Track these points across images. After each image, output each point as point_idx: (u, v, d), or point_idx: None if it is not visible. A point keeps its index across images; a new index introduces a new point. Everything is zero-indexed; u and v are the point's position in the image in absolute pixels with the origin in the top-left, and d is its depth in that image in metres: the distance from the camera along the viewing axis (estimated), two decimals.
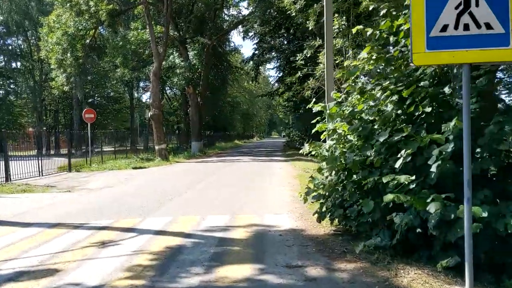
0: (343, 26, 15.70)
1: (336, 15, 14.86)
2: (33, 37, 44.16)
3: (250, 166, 20.12)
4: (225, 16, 35.98)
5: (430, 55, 3.79)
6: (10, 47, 46.16)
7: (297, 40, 25.08)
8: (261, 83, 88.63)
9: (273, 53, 35.12)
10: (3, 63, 45.78)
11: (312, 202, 6.78)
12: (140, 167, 20.79)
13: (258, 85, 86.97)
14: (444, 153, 4.37)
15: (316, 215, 6.47)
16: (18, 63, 47.11)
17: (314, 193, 6.32)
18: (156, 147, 23.73)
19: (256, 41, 41.10)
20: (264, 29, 27.29)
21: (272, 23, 26.84)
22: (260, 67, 41.50)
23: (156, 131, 23.54)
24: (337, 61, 15.28)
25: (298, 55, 17.47)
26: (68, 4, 26.14)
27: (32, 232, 7.07)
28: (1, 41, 45.68)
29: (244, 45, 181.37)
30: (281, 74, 31.21)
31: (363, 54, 6.04)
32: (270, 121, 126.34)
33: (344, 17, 15.79)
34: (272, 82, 70.24)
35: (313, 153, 6.80)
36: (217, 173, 16.43)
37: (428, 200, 4.29)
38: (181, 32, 30.50)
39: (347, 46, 15.52)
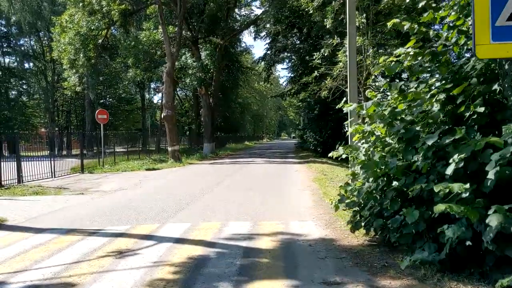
0: (362, 23, 15.23)
1: (356, 12, 14.38)
2: (46, 38, 44.17)
3: (265, 168, 19.69)
4: (237, 16, 35.55)
5: (496, 47, 3.33)
6: (22, 48, 46.21)
7: (312, 39, 24.61)
8: (272, 84, 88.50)
9: (286, 53, 34.69)
10: (16, 63, 45.89)
11: (343, 209, 6.31)
12: (153, 169, 20.48)
13: (269, 86, 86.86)
14: (503, 158, 3.89)
15: (349, 224, 5.99)
16: (31, 64, 47.16)
17: (348, 200, 5.85)
18: (169, 149, 23.38)
19: (268, 41, 40.80)
20: (277, 28, 26.77)
21: (286, 22, 26.36)
22: (272, 68, 41.02)
23: (169, 132, 23.18)
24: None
25: (315, 54, 17.01)
26: (80, 4, 25.95)
27: (45, 239, 6.69)
28: (14, 41, 45.79)
29: (255, 45, 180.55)
30: (294, 74, 30.63)
31: (402, 49, 5.54)
32: (280, 123, 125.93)
33: (363, 15, 15.31)
34: (283, 83, 70.02)
35: (343, 156, 6.36)
36: (232, 176, 16.01)
37: (490, 212, 3.81)
38: (193, 32, 30.16)
39: (367, 45, 15.01)
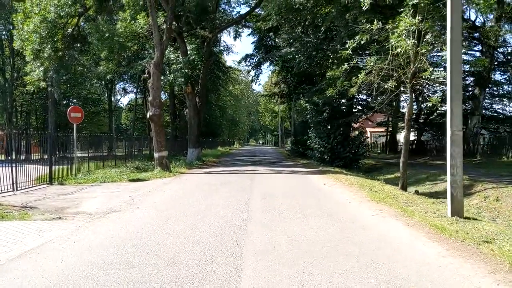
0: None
1: None
2: (4, 32, 39.55)
3: (279, 180, 16.27)
4: (227, 7, 32.18)
5: None
6: None
7: (321, 32, 21.60)
8: (244, 87, 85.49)
9: (277, 51, 31.69)
10: None
11: None
12: (139, 179, 16.82)
13: (244, 89, 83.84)
14: None
15: None
16: None
17: None
18: (156, 155, 19.60)
19: (255, 39, 37.69)
20: (280, 20, 23.51)
21: (290, 16, 23.21)
22: (259, 68, 37.91)
23: (157, 135, 19.39)
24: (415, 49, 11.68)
25: (349, 41, 13.77)
26: None
27: None
28: None
29: (235, 45, 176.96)
30: (297, 71, 27.33)
31: None
32: (250, 128, 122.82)
33: None
34: (260, 85, 67.01)
35: None
36: (252, 191, 12.50)
37: None
38: (179, 23, 26.48)
39: (425, 28, 11.84)
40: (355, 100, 25.10)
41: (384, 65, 13.43)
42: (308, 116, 24.23)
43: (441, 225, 6.76)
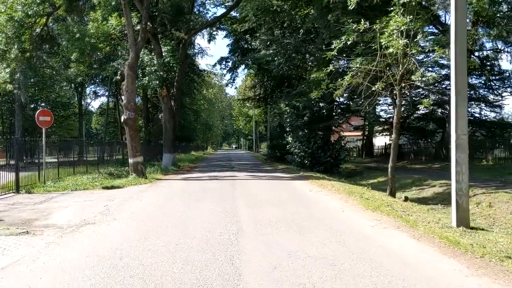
0: None
1: None
2: None
3: (262, 186, 15.60)
4: (202, 9, 31.38)
5: None
6: None
7: (300, 33, 21.08)
8: (217, 91, 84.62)
9: (253, 54, 31.13)
10: None
11: None
12: (113, 187, 15.87)
13: (216, 92, 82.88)
14: None
15: None
16: None
17: None
18: (130, 160, 18.63)
19: (231, 41, 37.08)
20: (259, 20, 22.88)
21: (267, 18, 22.65)
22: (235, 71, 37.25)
23: (131, 140, 18.42)
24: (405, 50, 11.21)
25: (335, 42, 13.25)
26: None
27: None
28: None
29: (210, 48, 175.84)
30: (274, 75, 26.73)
31: None
32: (223, 132, 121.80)
33: None
34: (242, 87, 66.32)
35: None
36: (236, 200, 11.74)
37: None
38: (154, 24, 25.54)
39: (415, 28, 11.41)
40: (335, 103, 24.71)
41: (372, 66, 13.00)
42: (288, 120, 23.64)
43: (454, 238, 6.22)
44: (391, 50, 11.02)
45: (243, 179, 18.42)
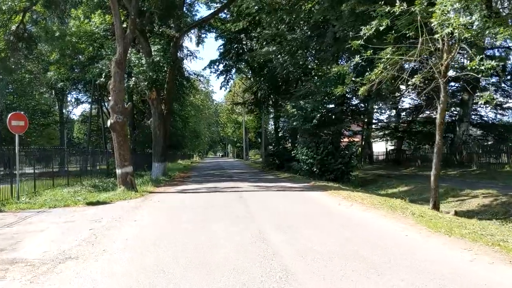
0: None
1: None
2: None
3: (276, 199, 13.29)
4: (194, 6, 29.23)
5: None
6: None
7: (308, 27, 19.06)
8: (204, 98, 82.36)
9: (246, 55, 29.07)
10: None
11: None
12: (98, 202, 13.47)
13: (203, 99, 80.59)
14: None
15: None
16: None
17: None
18: (118, 171, 16.18)
19: (223, 42, 35.03)
20: (262, 13, 20.77)
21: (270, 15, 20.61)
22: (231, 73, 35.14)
23: (119, 147, 15.98)
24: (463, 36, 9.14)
25: (364, 28, 11.17)
26: None
27: None
28: None
29: (199, 51, 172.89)
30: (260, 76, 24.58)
31: None
32: (210, 140, 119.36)
33: None
34: (231, 93, 64.11)
35: None
36: (257, 220, 9.40)
37: None
38: (143, 20, 23.22)
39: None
40: (345, 105, 22.67)
41: (409, 57, 11.01)
42: (294, 124, 21.45)
43: None
44: (446, 30, 8.90)
45: (249, 190, 16.12)
